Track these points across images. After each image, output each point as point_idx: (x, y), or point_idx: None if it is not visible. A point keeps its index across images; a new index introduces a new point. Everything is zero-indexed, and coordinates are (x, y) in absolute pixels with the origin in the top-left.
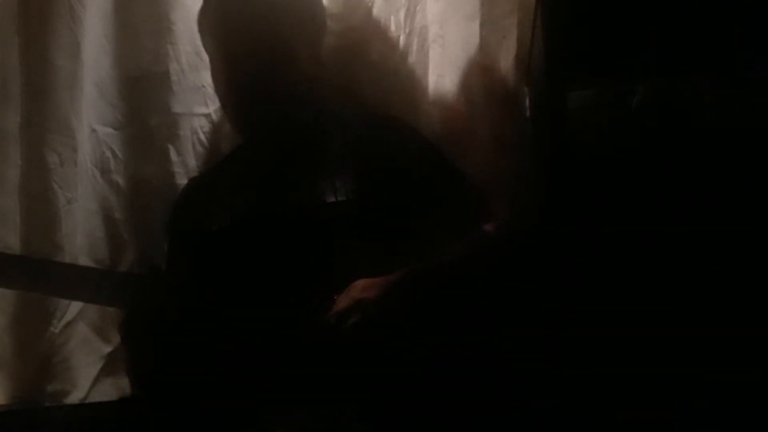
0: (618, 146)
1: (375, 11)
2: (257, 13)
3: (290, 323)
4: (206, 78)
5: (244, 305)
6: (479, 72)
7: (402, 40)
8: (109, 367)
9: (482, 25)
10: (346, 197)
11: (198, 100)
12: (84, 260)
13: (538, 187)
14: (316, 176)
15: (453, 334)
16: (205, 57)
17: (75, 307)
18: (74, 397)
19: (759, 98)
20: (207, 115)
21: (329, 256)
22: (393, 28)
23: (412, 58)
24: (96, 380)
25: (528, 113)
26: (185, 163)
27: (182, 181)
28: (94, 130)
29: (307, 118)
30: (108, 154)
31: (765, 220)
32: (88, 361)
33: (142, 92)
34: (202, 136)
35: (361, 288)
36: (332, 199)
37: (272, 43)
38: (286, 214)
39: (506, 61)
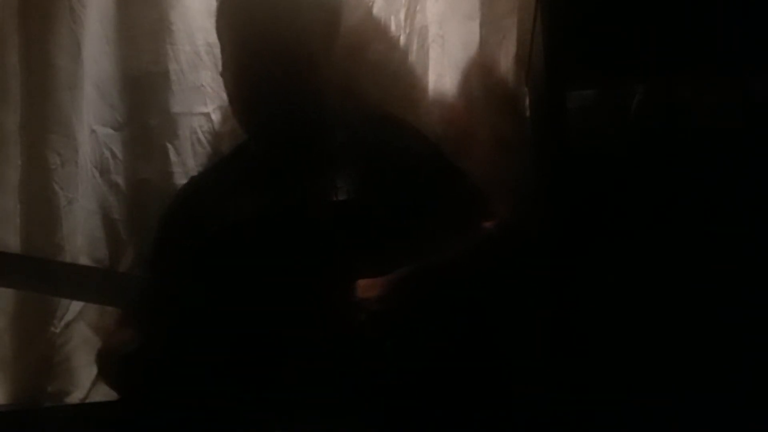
0: (618, 146)
1: (375, 11)
2: (277, 11)
3: (291, 323)
4: (206, 78)
5: (244, 305)
6: (479, 72)
7: (402, 40)
8: None
9: (482, 25)
10: (347, 196)
11: (197, 99)
12: (84, 260)
13: (538, 187)
14: (317, 175)
15: (454, 333)
16: (205, 57)
17: (75, 306)
18: (74, 397)
19: (759, 98)
20: (206, 115)
21: (331, 256)
22: (393, 28)
23: (412, 58)
24: (96, 380)
25: (528, 113)
26: (185, 162)
27: (182, 180)
28: (93, 131)
29: (312, 118)
30: (107, 154)
31: (766, 220)
32: (88, 361)
33: (141, 92)
34: (202, 136)
35: (362, 287)
36: (333, 199)
37: (291, 42)
38: (288, 213)
39: (506, 61)
